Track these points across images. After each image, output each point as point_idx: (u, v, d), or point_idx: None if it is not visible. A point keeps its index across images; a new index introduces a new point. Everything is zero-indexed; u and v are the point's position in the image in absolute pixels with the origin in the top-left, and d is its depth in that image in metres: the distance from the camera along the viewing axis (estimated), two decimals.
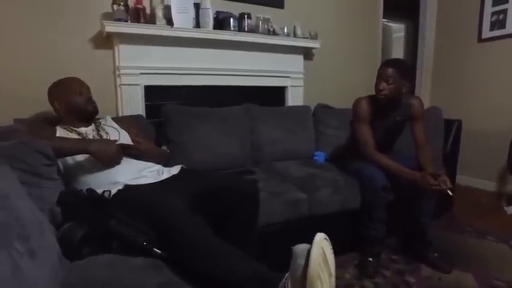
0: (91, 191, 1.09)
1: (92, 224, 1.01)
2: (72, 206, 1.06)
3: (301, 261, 0.68)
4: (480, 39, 3.00)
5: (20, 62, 1.80)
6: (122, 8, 1.82)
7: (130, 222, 1.01)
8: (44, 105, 1.58)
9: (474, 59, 3.07)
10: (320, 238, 0.70)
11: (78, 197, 1.09)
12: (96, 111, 1.55)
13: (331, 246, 0.74)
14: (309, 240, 0.80)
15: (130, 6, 1.90)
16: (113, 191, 1.20)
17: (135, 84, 2.03)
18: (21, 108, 1.66)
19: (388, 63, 1.72)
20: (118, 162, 1.34)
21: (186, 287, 0.82)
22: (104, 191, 1.10)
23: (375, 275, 1.63)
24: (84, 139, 1.42)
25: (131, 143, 1.53)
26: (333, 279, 0.72)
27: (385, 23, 4.50)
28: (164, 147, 1.88)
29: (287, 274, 0.73)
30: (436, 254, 1.71)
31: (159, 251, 0.96)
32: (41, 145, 1.16)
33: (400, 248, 1.86)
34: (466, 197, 2.75)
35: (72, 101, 1.48)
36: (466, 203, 2.59)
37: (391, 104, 1.74)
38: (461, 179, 2.89)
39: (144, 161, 1.47)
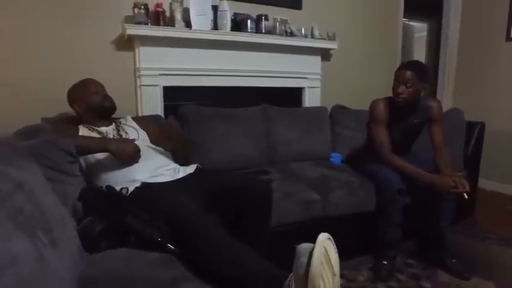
0: (110, 188, 1.14)
1: (110, 219, 1.06)
2: (92, 202, 1.12)
3: (304, 260, 0.70)
4: (508, 38, 2.88)
5: (47, 63, 1.89)
6: (143, 11, 1.88)
7: (146, 218, 1.06)
8: (68, 105, 1.67)
9: (501, 58, 2.95)
10: (323, 238, 0.71)
11: (97, 194, 1.14)
12: (114, 107, 1.62)
13: (335, 246, 0.74)
14: None
15: (150, 10, 1.96)
16: (131, 189, 1.25)
17: (155, 85, 2.09)
18: (48, 108, 1.75)
19: (406, 65, 1.70)
20: (136, 161, 1.39)
21: (198, 282, 0.84)
22: (121, 188, 1.14)
23: (389, 278, 1.61)
24: (104, 138, 1.49)
25: (150, 143, 1.58)
26: (337, 278, 0.72)
27: (407, 22, 4.40)
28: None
29: (291, 274, 0.74)
30: (454, 260, 1.67)
31: (173, 247, 0.99)
32: (65, 143, 1.23)
33: (416, 252, 1.83)
34: (489, 201, 2.66)
35: (90, 101, 1.56)
36: (488, 208, 2.51)
37: (409, 106, 1.72)
38: (485, 183, 2.79)
39: (161, 153, 1.53)
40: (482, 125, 2.21)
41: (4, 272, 0.56)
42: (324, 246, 0.70)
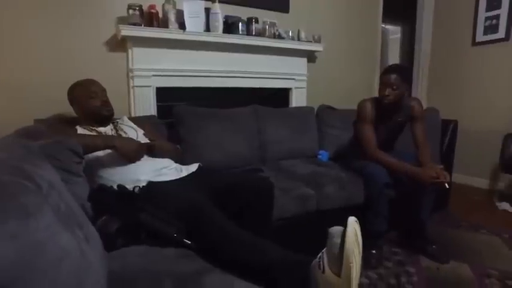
0: (122, 187, 1.17)
1: (125, 217, 1.09)
2: (104, 201, 1.15)
3: (338, 240, 0.79)
4: (474, 43, 3.13)
5: (39, 63, 1.86)
6: (137, 12, 1.90)
7: (160, 214, 1.10)
8: (62, 106, 1.65)
9: (469, 61, 3.20)
10: (352, 220, 0.81)
11: (109, 193, 1.17)
12: (111, 115, 1.61)
13: (359, 228, 0.85)
14: (317, 233, 0.94)
15: (144, 11, 1.97)
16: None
17: (147, 86, 2.11)
18: (40, 109, 1.72)
19: (390, 70, 1.83)
20: (139, 159, 1.42)
21: (220, 272, 0.90)
22: (134, 187, 1.18)
23: (378, 266, 1.73)
24: (109, 135, 1.50)
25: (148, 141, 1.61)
26: (361, 257, 0.83)
27: (382, 25, 4.62)
28: (177, 147, 1.96)
29: (320, 254, 0.82)
30: (434, 247, 1.82)
31: (189, 242, 1.05)
32: (72, 143, 1.24)
33: (401, 241, 1.98)
34: (461, 194, 2.88)
35: (88, 106, 1.54)
36: (461, 199, 2.73)
37: (393, 106, 1.85)
38: (457, 177, 3.02)
39: (161, 157, 1.55)
40: (456, 123, 2.40)
41: (61, 264, 0.60)
42: (354, 228, 0.80)
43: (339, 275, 0.77)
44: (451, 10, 3.34)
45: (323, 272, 0.78)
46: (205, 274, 0.89)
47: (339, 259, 0.76)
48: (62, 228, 0.67)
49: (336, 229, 0.82)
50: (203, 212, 1.05)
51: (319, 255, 0.82)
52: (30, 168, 0.77)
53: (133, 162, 1.41)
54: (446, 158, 2.37)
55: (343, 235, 0.78)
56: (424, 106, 2.80)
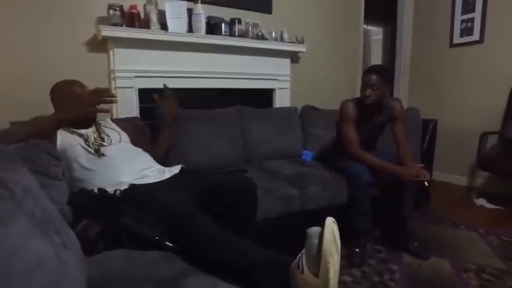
0: (102, 191, 1.15)
1: (106, 221, 1.07)
2: (85, 205, 1.12)
3: (315, 241, 0.79)
4: (452, 45, 3.23)
5: (16, 65, 1.81)
6: (118, 12, 1.87)
7: (142, 218, 1.09)
8: (39, 108, 1.60)
9: (447, 62, 3.30)
10: (330, 221, 0.82)
11: (90, 197, 1.15)
12: (95, 118, 1.58)
13: (337, 228, 0.85)
14: (302, 234, 0.91)
15: (125, 11, 1.94)
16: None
17: (130, 87, 2.08)
18: (18, 111, 1.67)
19: (372, 70, 1.86)
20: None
21: (203, 274, 0.90)
22: (115, 190, 1.16)
23: (362, 264, 1.76)
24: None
25: (131, 144, 1.59)
26: (339, 256, 0.83)
27: (364, 26, 4.70)
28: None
29: (299, 255, 0.83)
30: (416, 244, 1.87)
31: (171, 244, 1.04)
32: (49, 146, 1.21)
33: (384, 239, 2.02)
34: (441, 191, 2.96)
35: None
36: (441, 196, 2.81)
37: (375, 106, 1.88)
38: (437, 174, 3.11)
39: (143, 154, 1.54)
40: (435, 122, 2.46)
41: (33, 273, 0.58)
42: (332, 228, 0.81)
43: (317, 275, 0.77)
44: (429, 12, 3.43)
45: (302, 272, 0.79)
46: (187, 277, 0.88)
47: (316, 259, 0.77)
48: (37, 234, 0.65)
49: (314, 230, 0.83)
50: (185, 215, 1.04)
51: (298, 256, 0.83)
52: (3, 174, 0.74)
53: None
54: (427, 157, 2.43)
55: (321, 236, 0.79)
56: (406, 106, 2.88)
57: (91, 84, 1.66)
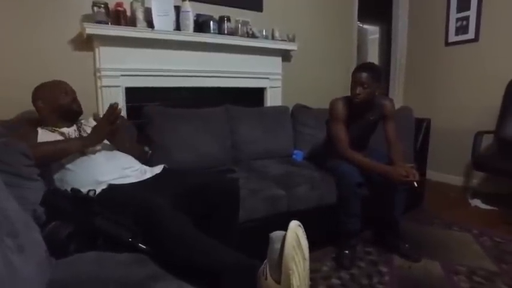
0: (76, 191, 1.12)
1: (78, 222, 1.04)
2: (57, 206, 1.09)
3: (278, 246, 0.75)
4: (447, 43, 3.19)
5: (0, 63, 1.78)
6: (103, 10, 1.84)
7: (116, 219, 1.05)
8: (22, 107, 1.58)
9: (442, 61, 3.26)
10: (294, 224, 0.78)
11: (62, 197, 1.11)
12: (80, 111, 1.58)
13: (304, 233, 0.81)
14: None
15: (110, 9, 1.91)
16: (97, 191, 1.22)
17: (116, 86, 2.05)
18: (1, 110, 1.65)
19: (361, 68, 1.82)
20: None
21: (171, 279, 0.86)
22: (88, 191, 1.12)
23: (351, 266, 1.72)
24: (82, 137, 1.46)
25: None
26: (307, 263, 0.79)
27: (361, 25, 4.66)
28: (146, 148, 1.90)
29: (266, 260, 0.79)
30: (407, 245, 1.83)
31: (144, 246, 1.00)
32: (22, 146, 1.18)
33: (374, 240, 1.97)
34: (435, 191, 2.91)
35: (58, 101, 1.49)
36: (435, 196, 2.76)
37: (365, 105, 1.85)
38: (431, 174, 3.06)
39: (124, 154, 1.52)
40: (429, 121, 2.42)
41: None
42: (295, 232, 0.76)
43: (279, 282, 0.74)
44: (424, 10, 3.40)
45: (266, 278, 0.75)
46: (155, 280, 0.85)
47: (278, 265, 0.73)
48: None
49: (277, 234, 0.79)
50: (158, 216, 1.01)
51: (265, 261, 0.79)
52: None
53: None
54: (420, 156, 2.39)
55: (283, 240, 0.75)
56: (401, 105, 2.85)
57: (77, 83, 1.64)
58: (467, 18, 2.97)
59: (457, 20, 3.06)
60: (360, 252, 1.86)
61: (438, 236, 2.07)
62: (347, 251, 1.77)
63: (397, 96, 3.63)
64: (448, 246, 1.92)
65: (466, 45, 3.01)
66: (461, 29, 3.03)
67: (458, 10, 3.03)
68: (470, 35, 2.96)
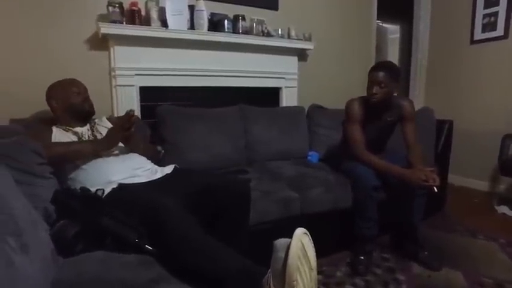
0: (84, 190, 1.11)
1: (85, 221, 1.03)
2: (67, 204, 1.09)
3: (282, 254, 0.71)
4: (472, 41, 3.04)
5: (16, 63, 1.82)
6: (117, 9, 1.85)
7: (123, 219, 1.04)
8: (39, 106, 1.61)
9: (467, 60, 3.11)
10: (300, 232, 0.73)
11: (71, 196, 1.11)
12: (92, 111, 1.59)
13: (311, 241, 0.76)
14: None
15: (125, 8, 1.92)
16: (107, 190, 1.22)
17: (130, 85, 2.06)
18: (18, 109, 1.68)
19: (378, 67, 1.75)
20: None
21: (175, 283, 0.84)
22: (97, 190, 1.12)
23: (366, 273, 1.65)
24: (96, 140, 1.47)
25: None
26: (314, 272, 0.74)
27: (380, 24, 4.54)
28: (159, 148, 1.90)
29: (270, 269, 0.75)
30: (426, 253, 1.74)
31: (150, 248, 0.98)
32: (36, 145, 1.19)
33: (392, 247, 1.89)
34: (458, 196, 2.78)
35: (70, 101, 1.50)
36: (458, 202, 2.63)
37: (382, 105, 1.77)
38: (454, 178, 2.93)
39: (137, 154, 1.51)
40: (451, 122, 2.31)
41: None
42: (301, 241, 0.72)
43: None
44: (448, 7, 3.25)
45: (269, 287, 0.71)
46: (159, 284, 0.83)
47: (282, 276, 0.69)
48: None
49: (281, 242, 0.74)
50: (163, 217, 0.98)
51: (269, 270, 0.75)
52: None
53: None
54: (441, 159, 2.29)
55: (287, 249, 0.70)
56: (422, 106, 2.74)
57: (92, 82, 1.65)
58: (495, 14, 2.82)
59: (484, 16, 2.90)
60: (376, 258, 1.79)
61: (461, 244, 1.96)
62: (362, 257, 1.71)
63: (418, 97, 3.49)
64: (471, 255, 1.82)
65: (494, 42, 2.85)
66: (489, 26, 2.87)
67: (486, 5, 2.88)
68: (499, 31, 2.80)
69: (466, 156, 2.96)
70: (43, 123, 1.56)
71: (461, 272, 1.64)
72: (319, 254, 0.78)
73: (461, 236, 2.05)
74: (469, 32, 3.04)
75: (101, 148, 1.38)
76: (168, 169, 1.47)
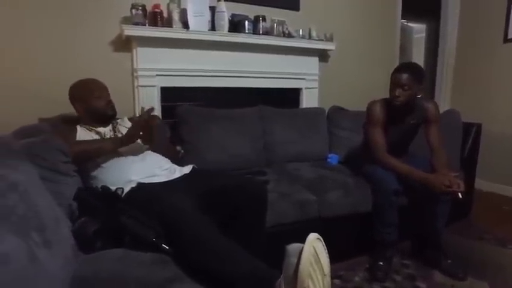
0: (105, 188, 1.15)
1: (105, 219, 1.06)
2: (87, 202, 1.12)
3: (294, 260, 0.70)
4: (506, 39, 2.88)
5: (43, 63, 1.90)
6: (140, 12, 1.89)
7: (141, 218, 1.06)
8: (65, 106, 1.66)
9: (499, 60, 2.96)
10: (312, 238, 0.72)
11: (92, 194, 1.15)
12: (114, 114, 1.60)
13: (325, 247, 0.75)
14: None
15: (148, 11, 1.96)
16: (126, 189, 1.26)
17: (152, 86, 2.10)
18: (45, 108, 1.75)
19: (401, 69, 1.69)
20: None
21: (189, 282, 0.85)
22: (116, 189, 1.15)
23: (385, 279, 1.61)
24: (116, 137, 1.50)
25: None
26: (328, 278, 0.72)
27: (405, 23, 4.40)
28: (178, 148, 1.93)
29: (282, 273, 0.74)
30: (449, 261, 1.67)
31: (167, 247, 1.00)
32: (60, 143, 1.24)
33: (413, 253, 1.83)
34: (485, 202, 2.65)
35: (92, 105, 1.53)
36: (485, 208, 2.51)
37: (405, 107, 1.72)
38: (482, 184, 2.80)
39: (156, 154, 1.54)
40: (479, 126, 2.21)
41: None
42: (313, 246, 0.70)
43: None
44: (479, 4, 3.10)
45: None
46: (173, 283, 0.84)
47: (293, 282, 0.67)
48: (9, 233, 0.64)
49: (294, 247, 0.73)
50: (178, 217, 1.00)
51: (282, 274, 0.74)
52: None
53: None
54: (468, 164, 2.19)
55: (300, 254, 0.69)
56: (448, 108, 2.63)
57: (115, 83, 1.69)
58: None
59: None
60: (396, 264, 1.74)
61: (488, 253, 1.86)
62: (381, 263, 1.66)
63: (444, 99, 3.36)
64: (500, 265, 1.72)
65: None
66: None
67: None
68: None
69: (496, 161, 2.83)
70: (68, 122, 1.61)
71: (487, 282, 1.56)
72: (336, 258, 0.77)
73: (489, 245, 1.96)
74: (503, 29, 2.88)
75: (120, 144, 1.40)
76: (187, 169, 1.49)
